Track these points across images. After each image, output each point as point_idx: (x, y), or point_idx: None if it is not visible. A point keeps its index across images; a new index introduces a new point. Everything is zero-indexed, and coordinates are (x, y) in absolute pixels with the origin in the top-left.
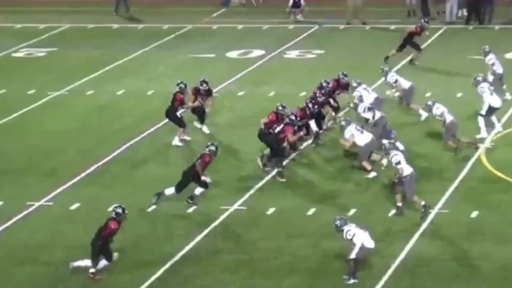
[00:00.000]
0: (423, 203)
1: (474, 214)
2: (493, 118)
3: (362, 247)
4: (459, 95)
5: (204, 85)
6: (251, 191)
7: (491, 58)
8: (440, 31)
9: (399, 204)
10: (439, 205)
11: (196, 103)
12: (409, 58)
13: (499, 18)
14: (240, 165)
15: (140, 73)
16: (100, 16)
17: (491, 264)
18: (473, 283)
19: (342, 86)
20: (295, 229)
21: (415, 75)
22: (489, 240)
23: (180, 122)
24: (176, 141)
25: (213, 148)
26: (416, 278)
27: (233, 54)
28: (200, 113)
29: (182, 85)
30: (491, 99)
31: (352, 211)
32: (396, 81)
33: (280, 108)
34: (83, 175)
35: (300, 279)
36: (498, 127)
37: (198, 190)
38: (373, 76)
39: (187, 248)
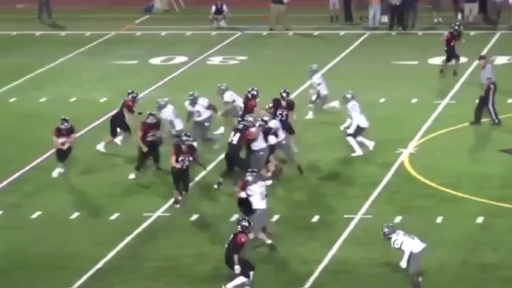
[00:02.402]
0: (269, 241)
1: (398, 219)
2: (363, 139)
3: (412, 254)
4: (381, 100)
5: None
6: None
7: (318, 78)
8: (363, 37)
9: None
10: (363, 210)
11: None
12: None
13: (422, 23)
14: (164, 172)
15: (63, 80)
16: (23, 23)
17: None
18: None
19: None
20: (219, 236)
21: (339, 80)
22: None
23: (124, 128)
24: (101, 147)
25: (245, 223)
26: (340, 283)
27: (156, 60)
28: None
29: (135, 94)
30: (360, 119)
31: (275, 217)
32: (319, 84)
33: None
34: (5, 183)
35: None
36: (370, 145)
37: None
38: (296, 82)
39: (110, 255)
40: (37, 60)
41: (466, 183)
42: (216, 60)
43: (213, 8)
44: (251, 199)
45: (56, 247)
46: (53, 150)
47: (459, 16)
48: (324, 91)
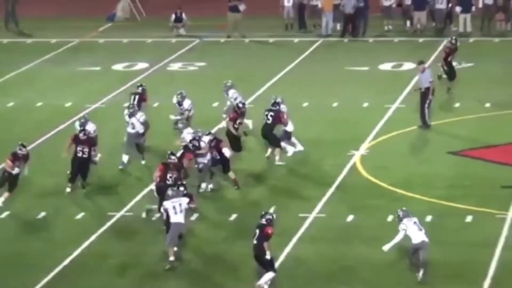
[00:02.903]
0: (171, 258)
1: (350, 218)
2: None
3: (411, 244)
4: (334, 104)
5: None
6: (138, 197)
7: (234, 92)
8: (317, 44)
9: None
10: (317, 209)
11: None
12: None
13: (372, 31)
14: (127, 172)
15: (29, 86)
16: None
17: (366, 266)
18: (350, 284)
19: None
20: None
21: (293, 85)
22: (365, 243)
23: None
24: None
25: (269, 217)
26: (295, 281)
27: (118, 66)
28: None
29: (144, 86)
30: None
31: (233, 216)
32: (236, 98)
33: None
34: None
35: (185, 282)
36: (299, 146)
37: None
38: (253, 87)
39: (75, 253)
40: (4, 67)
41: (416, 184)
42: (176, 66)
43: (173, 16)
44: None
45: (21, 246)
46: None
47: (408, 23)
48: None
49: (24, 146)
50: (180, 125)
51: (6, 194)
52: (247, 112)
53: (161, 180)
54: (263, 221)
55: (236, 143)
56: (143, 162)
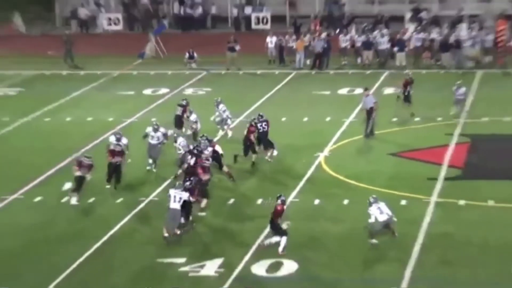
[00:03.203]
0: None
1: (316, 202)
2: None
3: (376, 221)
4: (305, 119)
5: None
6: (159, 189)
7: (223, 106)
8: (292, 75)
9: None
10: (292, 195)
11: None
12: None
13: (333, 65)
14: (152, 171)
15: (82, 105)
16: (53, 65)
17: (330, 237)
18: (318, 251)
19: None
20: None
21: (274, 105)
22: (328, 220)
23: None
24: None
25: (283, 198)
26: (276, 247)
27: (147, 91)
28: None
29: (188, 100)
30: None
31: (231, 200)
32: (225, 111)
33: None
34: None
35: (192, 249)
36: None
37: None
38: (245, 106)
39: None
40: (64, 91)
41: (364, 177)
42: (189, 91)
43: (187, 54)
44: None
45: (79, 224)
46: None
47: (359, 60)
48: (228, 115)
49: (89, 157)
50: (171, 131)
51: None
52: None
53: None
54: (279, 201)
55: (251, 148)
56: (154, 170)
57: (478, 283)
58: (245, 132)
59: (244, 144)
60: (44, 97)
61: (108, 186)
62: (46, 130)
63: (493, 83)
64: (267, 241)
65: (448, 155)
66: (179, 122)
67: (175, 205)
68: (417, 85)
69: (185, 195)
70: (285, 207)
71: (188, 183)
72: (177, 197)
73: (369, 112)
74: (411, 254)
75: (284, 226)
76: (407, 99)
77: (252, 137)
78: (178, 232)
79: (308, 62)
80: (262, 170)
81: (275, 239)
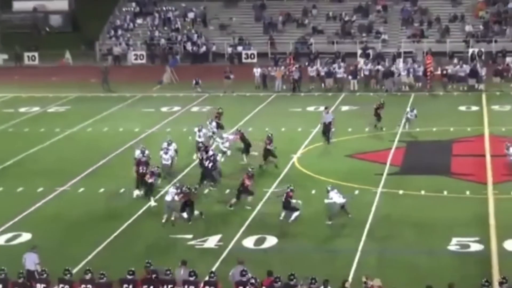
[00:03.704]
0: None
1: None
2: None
3: (335, 203)
4: (283, 129)
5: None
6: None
7: (214, 123)
8: (272, 97)
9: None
10: (272, 187)
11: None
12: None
13: (304, 89)
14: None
15: (115, 119)
16: (93, 88)
17: (301, 218)
18: (292, 228)
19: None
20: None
21: (259, 119)
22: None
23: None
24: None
25: (292, 187)
26: (262, 224)
27: (164, 109)
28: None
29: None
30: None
31: (227, 191)
32: (214, 126)
33: None
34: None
35: (195, 230)
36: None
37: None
38: (237, 120)
39: (135, 215)
40: (101, 109)
41: (327, 172)
42: (195, 109)
43: (194, 81)
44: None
45: (106, 211)
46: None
47: (323, 85)
48: (215, 132)
49: (143, 153)
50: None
51: (137, 192)
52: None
53: None
54: (288, 190)
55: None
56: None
57: (414, 252)
58: (263, 144)
59: (264, 153)
60: (86, 114)
61: (136, 192)
62: (87, 138)
63: (423, 103)
64: (291, 219)
65: (390, 157)
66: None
67: (168, 197)
68: (366, 105)
69: (172, 193)
70: (292, 193)
71: (184, 188)
72: (172, 193)
73: (327, 125)
74: (363, 231)
75: (294, 203)
76: (379, 119)
77: (269, 147)
78: (173, 218)
79: (284, 87)
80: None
81: (294, 214)
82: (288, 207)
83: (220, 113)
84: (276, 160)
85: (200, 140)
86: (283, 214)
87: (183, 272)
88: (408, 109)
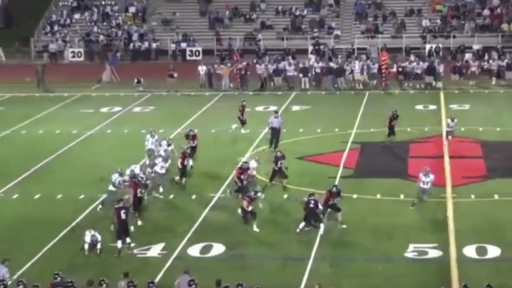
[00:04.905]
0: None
1: (240, 195)
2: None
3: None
4: (230, 131)
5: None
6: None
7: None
8: (219, 96)
9: None
10: (220, 191)
11: None
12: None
13: (251, 88)
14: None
15: (51, 121)
16: (28, 89)
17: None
18: (241, 235)
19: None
20: None
21: (205, 119)
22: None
23: None
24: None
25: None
26: (220, 217)
27: (104, 109)
28: None
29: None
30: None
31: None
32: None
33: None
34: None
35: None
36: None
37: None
38: (182, 120)
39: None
40: (37, 110)
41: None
42: (137, 109)
43: (135, 80)
44: None
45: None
46: None
47: (272, 84)
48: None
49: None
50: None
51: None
52: None
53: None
54: (311, 200)
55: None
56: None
57: (369, 259)
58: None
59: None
60: (21, 115)
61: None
62: (22, 141)
63: (378, 101)
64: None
65: (344, 159)
66: (241, 121)
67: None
68: (318, 103)
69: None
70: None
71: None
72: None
73: (275, 131)
74: (316, 237)
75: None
76: (391, 132)
77: (242, 176)
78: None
79: (231, 85)
80: (198, 170)
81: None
82: (313, 216)
83: (244, 106)
84: (286, 181)
85: (149, 147)
86: (302, 225)
87: (124, 284)
88: (448, 120)
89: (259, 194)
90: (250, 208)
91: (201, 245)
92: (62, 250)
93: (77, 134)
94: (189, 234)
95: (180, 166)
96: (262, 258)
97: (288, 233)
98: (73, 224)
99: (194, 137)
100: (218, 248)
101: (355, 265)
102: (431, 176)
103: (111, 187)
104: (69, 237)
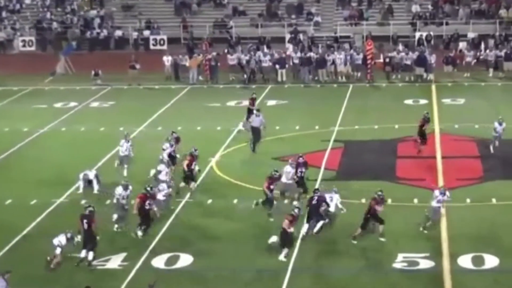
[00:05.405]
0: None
1: (209, 201)
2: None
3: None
4: (198, 128)
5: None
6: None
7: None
8: (186, 89)
9: None
10: (187, 195)
11: None
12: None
13: (222, 80)
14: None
15: (1, 117)
16: None
17: (221, 232)
18: (211, 244)
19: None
20: None
21: (171, 116)
22: (220, 218)
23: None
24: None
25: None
26: (192, 216)
27: (58, 105)
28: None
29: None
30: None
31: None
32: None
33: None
34: None
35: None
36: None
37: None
38: (145, 117)
39: None
40: None
41: (252, 179)
42: (95, 104)
43: (93, 72)
44: None
45: None
46: None
47: (245, 76)
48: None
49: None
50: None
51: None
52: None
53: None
54: (315, 196)
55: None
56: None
57: (354, 270)
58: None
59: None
60: None
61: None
62: None
63: (363, 95)
64: (316, 229)
65: (325, 159)
66: (248, 114)
67: (159, 196)
68: (296, 98)
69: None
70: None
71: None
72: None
73: (255, 129)
74: (294, 247)
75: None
76: (423, 138)
77: (271, 186)
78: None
79: (200, 78)
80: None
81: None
82: (316, 213)
83: (254, 98)
84: (304, 195)
85: (124, 154)
86: (305, 227)
87: None
88: (495, 124)
89: (297, 209)
90: (291, 230)
91: (166, 255)
92: (13, 261)
93: (29, 132)
94: (152, 244)
95: (186, 169)
96: (235, 270)
97: (262, 244)
98: (24, 232)
99: (177, 140)
100: (185, 259)
101: (338, 277)
102: (448, 193)
103: (115, 201)
104: (21, 246)
